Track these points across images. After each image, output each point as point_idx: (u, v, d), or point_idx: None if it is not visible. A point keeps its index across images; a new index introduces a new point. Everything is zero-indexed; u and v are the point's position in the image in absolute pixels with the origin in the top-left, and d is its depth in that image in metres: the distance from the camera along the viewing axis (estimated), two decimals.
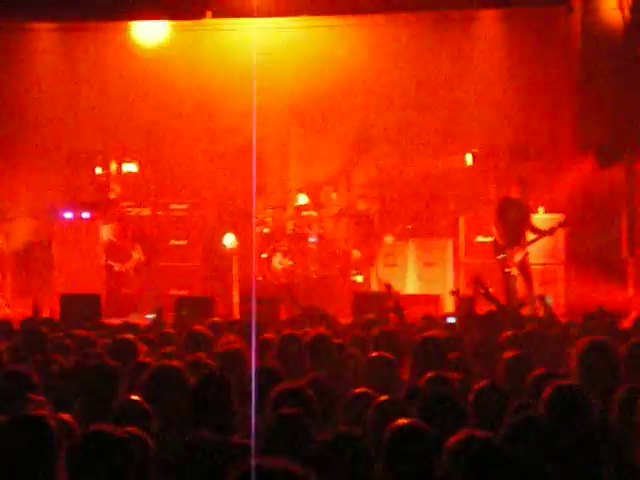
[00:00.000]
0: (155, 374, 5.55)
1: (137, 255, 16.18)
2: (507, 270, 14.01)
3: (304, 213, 17.09)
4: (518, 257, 14.10)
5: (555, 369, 6.54)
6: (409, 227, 16.85)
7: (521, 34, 17.23)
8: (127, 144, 17.82)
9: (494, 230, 14.34)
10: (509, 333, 7.93)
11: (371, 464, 4.40)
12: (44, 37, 17.71)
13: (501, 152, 16.98)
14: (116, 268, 16.23)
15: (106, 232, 16.51)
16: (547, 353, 7.52)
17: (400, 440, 4.49)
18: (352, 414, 5.54)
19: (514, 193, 14.29)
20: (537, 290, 14.22)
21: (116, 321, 11.79)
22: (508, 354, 6.76)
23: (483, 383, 5.71)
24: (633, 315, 13.30)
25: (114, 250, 16.30)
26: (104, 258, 16.29)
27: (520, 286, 14.10)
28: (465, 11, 17.34)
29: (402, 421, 4.61)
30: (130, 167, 17.48)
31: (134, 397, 5.29)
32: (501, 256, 14.11)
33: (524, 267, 14.14)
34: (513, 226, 14.14)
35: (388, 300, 12.06)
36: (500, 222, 14.24)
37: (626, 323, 11.30)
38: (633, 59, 15.84)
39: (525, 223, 14.18)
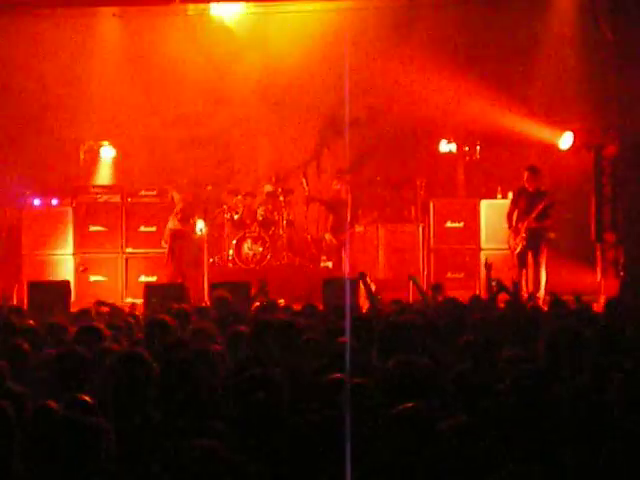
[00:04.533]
0: (119, 361, 5.51)
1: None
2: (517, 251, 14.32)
3: (274, 199, 17.04)
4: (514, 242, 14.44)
5: (523, 353, 6.55)
6: (379, 216, 16.74)
7: (488, 19, 17.21)
8: (98, 130, 17.73)
9: (506, 220, 14.57)
10: (476, 317, 7.93)
11: None
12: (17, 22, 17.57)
13: (472, 138, 17.00)
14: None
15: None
16: (516, 337, 7.53)
17: None
18: (324, 400, 5.53)
19: (525, 181, 14.48)
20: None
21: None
22: (471, 337, 6.77)
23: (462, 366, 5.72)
24: (602, 299, 13.41)
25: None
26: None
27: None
28: None
29: None
30: (105, 152, 17.41)
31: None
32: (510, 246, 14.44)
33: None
34: (520, 215, 14.37)
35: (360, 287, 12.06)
36: (511, 210, 14.48)
37: (597, 307, 11.36)
38: (605, 46, 15.90)
39: (530, 211, 14.37)
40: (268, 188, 17.17)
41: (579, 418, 4.70)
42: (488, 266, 11.61)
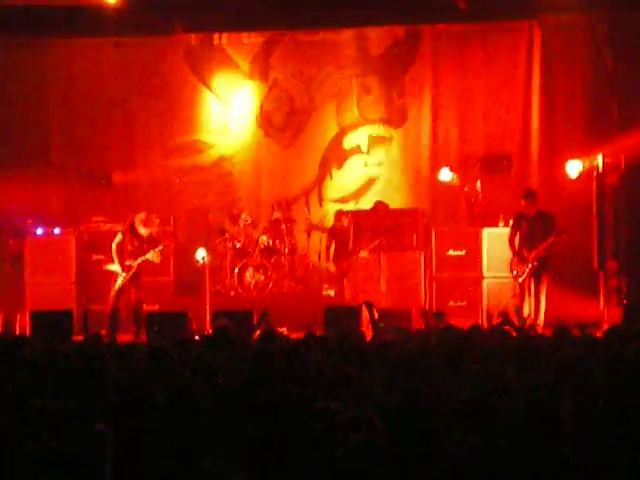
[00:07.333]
0: (122, 391, 5.53)
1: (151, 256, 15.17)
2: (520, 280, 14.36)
3: (276, 227, 17.04)
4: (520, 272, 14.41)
5: (529, 382, 6.55)
6: (383, 242, 16.73)
7: (489, 48, 17.33)
8: (101, 159, 17.78)
9: (509, 246, 14.56)
10: (480, 345, 7.92)
11: None
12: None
13: (472, 165, 17.03)
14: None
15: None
16: (521, 365, 7.52)
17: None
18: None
19: (523, 207, 14.49)
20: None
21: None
22: (479, 366, 6.75)
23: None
24: (605, 327, 13.38)
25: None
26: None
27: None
28: (434, 26, 17.46)
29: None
30: (108, 180, 17.42)
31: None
32: (515, 272, 14.41)
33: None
34: (523, 240, 14.36)
35: (363, 315, 12.08)
36: (512, 235, 14.47)
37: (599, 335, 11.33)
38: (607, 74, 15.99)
39: (537, 236, 14.34)
40: (274, 214, 17.10)
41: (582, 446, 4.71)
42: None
